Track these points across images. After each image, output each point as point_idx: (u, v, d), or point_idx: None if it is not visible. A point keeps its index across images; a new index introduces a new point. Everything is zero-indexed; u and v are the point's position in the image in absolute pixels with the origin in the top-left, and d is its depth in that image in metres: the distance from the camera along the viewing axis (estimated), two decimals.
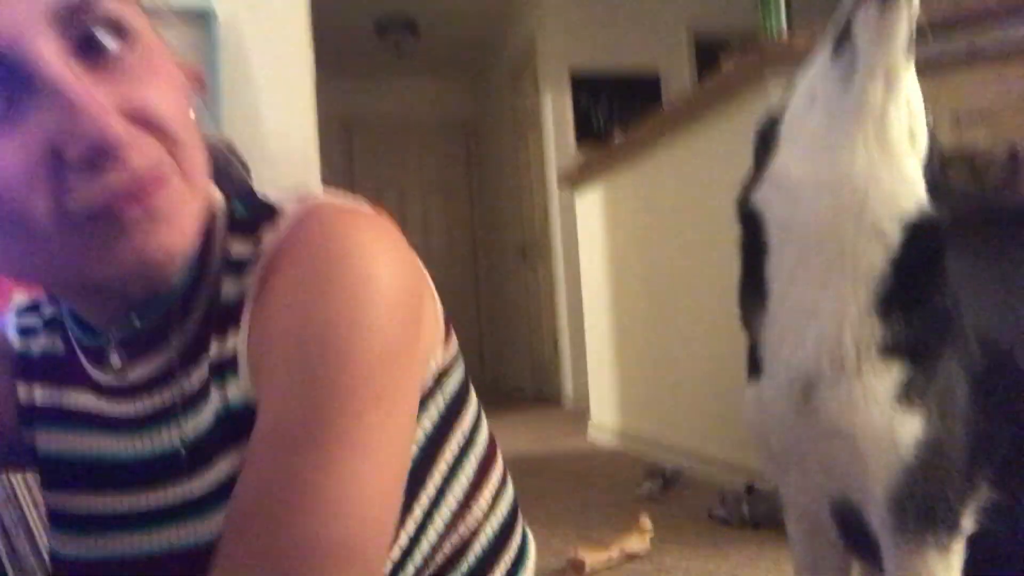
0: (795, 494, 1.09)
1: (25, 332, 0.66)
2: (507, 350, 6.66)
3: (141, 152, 0.47)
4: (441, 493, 0.60)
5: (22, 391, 0.64)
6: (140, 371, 0.58)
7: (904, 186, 0.92)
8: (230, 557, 0.46)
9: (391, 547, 0.55)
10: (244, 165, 0.74)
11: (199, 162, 0.53)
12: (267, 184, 0.68)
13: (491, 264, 7.00)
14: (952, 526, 0.92)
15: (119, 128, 0.45)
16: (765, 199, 1.00)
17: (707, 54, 5.08)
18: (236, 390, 0.54)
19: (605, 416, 3.82)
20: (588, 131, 5.13)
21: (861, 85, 0.92)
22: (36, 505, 0.82)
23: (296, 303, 0.50)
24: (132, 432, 0.58)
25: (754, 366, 1.05)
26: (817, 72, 0.99)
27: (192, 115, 0.53)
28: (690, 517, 2.35)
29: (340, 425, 0.47)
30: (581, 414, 4.34)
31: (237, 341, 0.54)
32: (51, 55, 0.45)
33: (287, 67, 3.23)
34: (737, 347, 1.18)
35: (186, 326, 0.57)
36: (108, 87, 0.47)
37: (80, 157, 0.45)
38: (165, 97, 0.50)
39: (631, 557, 2.00)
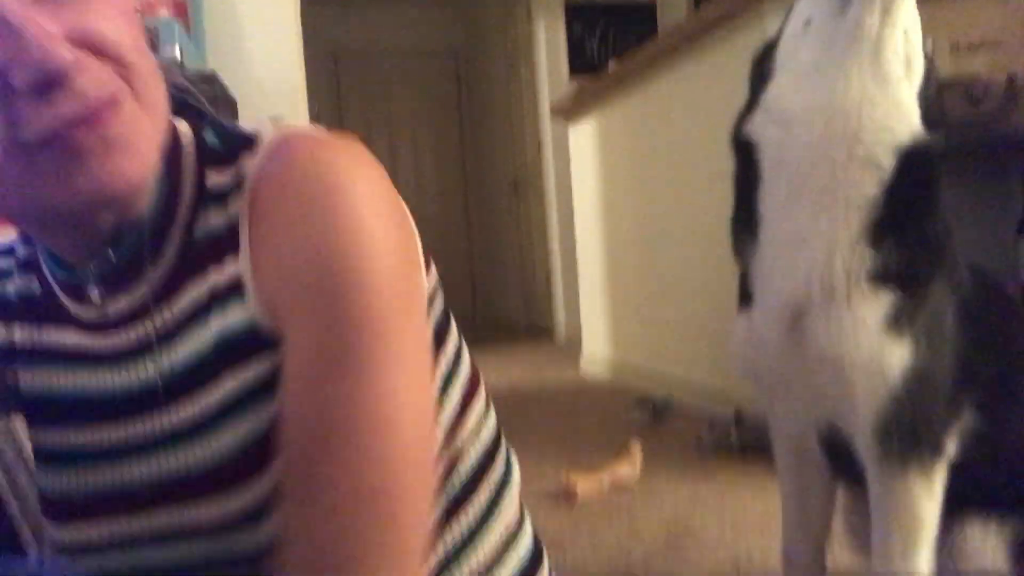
0: (783, 421, 1.11)
1: None
2: (499, 284, 6.66)
3: (91, 77, 0.47)
4: None
5: (0, 332, 0.64)
6: (119, 305, 0.58)
7: (898, 114, 0.92)
8: (305, 487, 0.50)
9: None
10: (229, 97, 0.72)
11: (153, 86, 0.52)
12: (254, 117, 0.67)
13: (482, 197, 6.96)
14: (935, 451, 0.94)
15: (66, 54, 0.45)
16: (758, 128, 0.99)
17: None
18: (242, 313, 0.55)
19: (597, 348, 3.86)
20: (582, 61, 5.03)
21: (857, 13, 0.90)
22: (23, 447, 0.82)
23: (300, 237, 0.52)
24: (114, 365, 0.59)
25: (745, 295, 1.05)
26: (812, 1, 0.97)
27: (144, 40, 0.52)
28: (679, 444, 2.40)
29: (368, 347, 0.51)
30: (573, 347, 4.39)
31: (239, 268, 0.55)
32: None
33: None
34: (727, 279, 1.19)
35: (162, 258, 0.58)
36: (54, 14, 0.46)
37: (28, 85, 0.45)
38: (113, 22, 0.49)
39: (622, 482, 2.04)
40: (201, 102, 0.65)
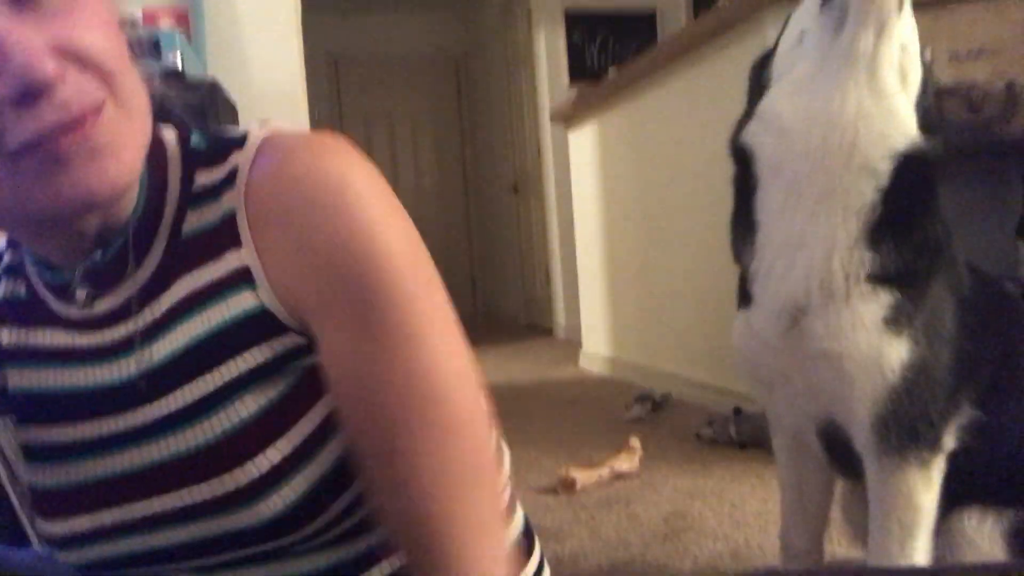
0: (781, 415, 1.13)
1: None
2: (500, 283, 6.67)
3: (74, 87, 0.48)
4: None
5: None
6: (107, 304, 0.60)
7: (894, 124, 0.93)
8: (389, 466, 0.55)
9: None
10: (230, 103, 0.74)
11: (136, 93, 0.54)
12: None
13: (483, 199, 6.96)
14: (933, 445, 0.96)
15: (48, 64, 0.46)
16: (755, 137, 1.00)
17: None
18: (252, 299, 0.57)
19: (596, 345, 3.88)
20: (582, 69, 5.00)
21: (851, 35, 0.91)
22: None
23: (315, 237, 0.55)
24: (104, 360, 0.60)
25: (744, 296, 1.07)
26: (807, 16, 0.98)
27: (126, 49, 0.54)
28: (678, 438, 2.41)
29: (406, 323, 0.55)
30: (573, 344, 4.40)
31: (243, 259, 0.57)
32: None
33: (272, 3, 3.17)
34: (726, 278, 1.21)
35: (149, 257, 0.59)
36: (37, 26, 0.47)
37: (11, 95, 0.45)
38: (96, 32, 0.50)
39: (621, 476, 2.06)
40: (184, 110, 0.66)
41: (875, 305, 0.94)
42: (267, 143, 0.59)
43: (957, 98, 1.77)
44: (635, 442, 2.16)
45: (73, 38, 0.48)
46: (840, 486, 1.20)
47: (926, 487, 0.96)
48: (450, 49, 7.01)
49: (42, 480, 0.62)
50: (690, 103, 2.81)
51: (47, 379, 0.61)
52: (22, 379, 0.62)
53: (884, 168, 0.93)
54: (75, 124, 0.48)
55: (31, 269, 0.63)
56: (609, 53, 5.05)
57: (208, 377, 0.57)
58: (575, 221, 4.09)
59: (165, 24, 2.78)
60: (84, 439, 0.60)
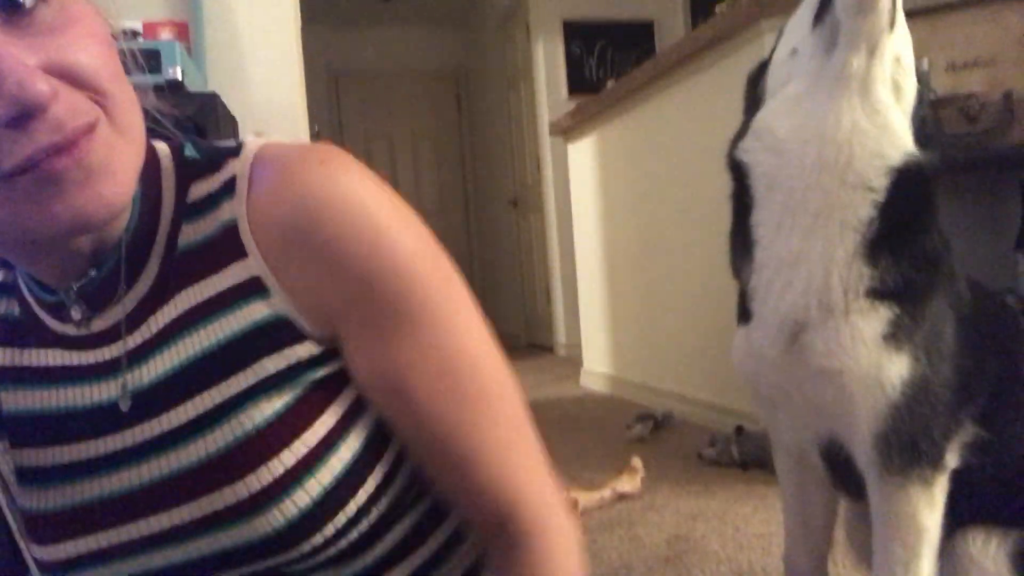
0: (783, 434, 1.11)
1: None
2: (500, 299, 6.68)
3: (67, 107, 0.47)
4: None
5: None
6: (104, 321, 0.59)
7: (889, 139, 0.92)
8: (443, 445, 0.59)
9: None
10: (231, 117, 0.74)
11: (130, 111, 0.53)
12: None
13: (483, 214, 6.98)
14: (936, 462, 0.94)
15: (42, 85, 0.45)
16: (750, 152, 0.99)
17: (702, 2, 5.00)
18: (265, 309, 0.57)
19: (597, 363, 3.86)
20: (581, 81, 5.05)
21: (843, 55, 0.90)
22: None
23: (334, 244, 0.56)
24: (101, 379, 0.59)
25: (744, 312, 1.06)
26: (799, 34, 0.98)
27: (119, 66, 0.53)
28: (680, 458, 2.40)
29: (433, 312, 0.58)
30: (573, 361, 4.39)
31: (251, 269, 0.57)
32: None
33: (272, 17, 3.19)
34: (725, 294, 1.20)
35: (144, 273, 0.59)
36: (30, 46, 0.46)
37: (5, 117, 0.45)
38: (89, 51, 0.49)
39: (623, 497, 2.04)
40: (177, 123, 0.66)
41: (874, 320, 0.93)
42: (265, 151, 0.59)
43: (954, 108, 1.76)
44: (637, 462, 2.15)
45: (66, 56, 0.48)
46: (844, 508, 1.19)
47: (929, 507, 0.94)
48: (449, 63, 7.06)
49: (36, 504, 0.61)
50: (689, 113, 2.81)
51: (42, 400, 0.61)
52: (17, 400, 0.62)
53: (880, 184, 0.92)
54: (69, 145, 0.47)
55: (25, 287, 0.63)
56: (607, 64, 5.09)
57: (215, 390, 0.56)
58: (575, 237, 4.09)
59: (165, 36, 2.78)
60: (81, 460, 0.59)
